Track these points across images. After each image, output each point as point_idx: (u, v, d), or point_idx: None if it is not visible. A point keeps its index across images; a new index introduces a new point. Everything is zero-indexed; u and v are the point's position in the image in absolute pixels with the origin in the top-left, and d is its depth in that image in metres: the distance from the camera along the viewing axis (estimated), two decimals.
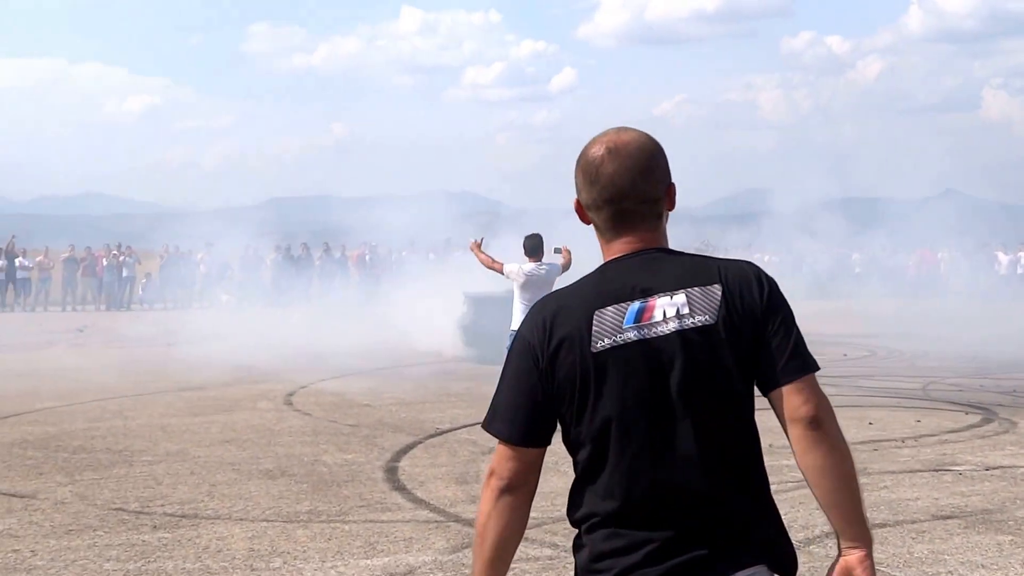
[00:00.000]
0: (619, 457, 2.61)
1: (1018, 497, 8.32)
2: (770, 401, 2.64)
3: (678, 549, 2.54)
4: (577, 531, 2.71)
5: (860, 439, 10.94)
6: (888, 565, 6.53)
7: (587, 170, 2.73)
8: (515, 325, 11.53)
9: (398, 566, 6.60)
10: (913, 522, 7.59)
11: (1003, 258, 38.81)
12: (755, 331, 2.62)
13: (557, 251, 12.23)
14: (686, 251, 2.77)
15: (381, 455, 10.23)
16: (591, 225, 2.82)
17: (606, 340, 2.61)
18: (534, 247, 12.12)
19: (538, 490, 8.50)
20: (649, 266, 2.68)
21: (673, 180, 2.79)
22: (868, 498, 8.14)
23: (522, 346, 2.72)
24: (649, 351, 2.60)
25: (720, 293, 2.61)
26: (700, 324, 2.59)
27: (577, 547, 2.69)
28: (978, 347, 20.94)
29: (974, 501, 8.20)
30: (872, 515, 7.75)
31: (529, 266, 12.00)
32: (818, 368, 2.65)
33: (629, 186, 2.68)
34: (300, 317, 24.55)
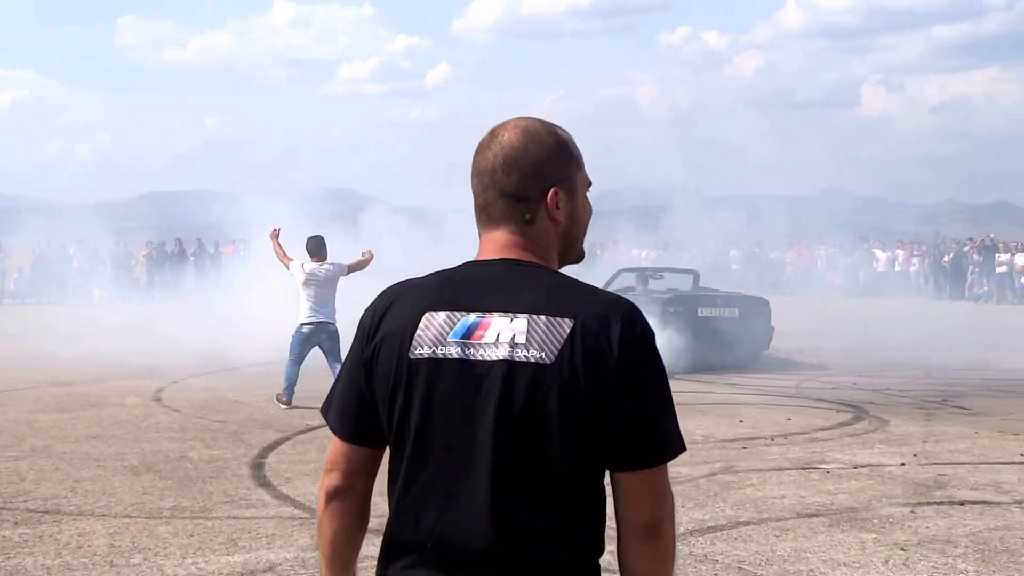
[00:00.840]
0: (410, 483, 2.31)
1: (884, 495, 8.43)
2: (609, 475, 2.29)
3: None
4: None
5: (730, 437, 11.06)
6: (750, 563, 6.55)
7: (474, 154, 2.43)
8: (299, 319, 13.07)
9: (259, 562, 6.47)
10: (778, 520, 7.64)
11: (880, 255, 39.53)
12: (600, 387, 2.20)
13: (363, 254, 13.60)
14: (564, 272, 2.38)
15: (248, 451, 10.05)
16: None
17: (425, 349, 2.28)
18: (315, 247, 13.15)
19: None
20: (503, 278, 2.31)
21: (575, 191, 2.41)
22: (734, 496, 8.23)
23: (358, 332, 2.42)
24: (467, 374, 2.25)
25: (569, 329, 2.20)
26: (533, 360, 2.20)
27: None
28: (852, 344, 21.35)
29: (840, 499, 8.29)
30: (737, 513, 7.81)
31: (311, 266, 13.04)
32: (681, 451, 2.27)
33: (490, 176, 2.36)
34: (173, 313, 24.09)
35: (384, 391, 2.33)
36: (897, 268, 38.65)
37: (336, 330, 12.93)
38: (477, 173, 2.40)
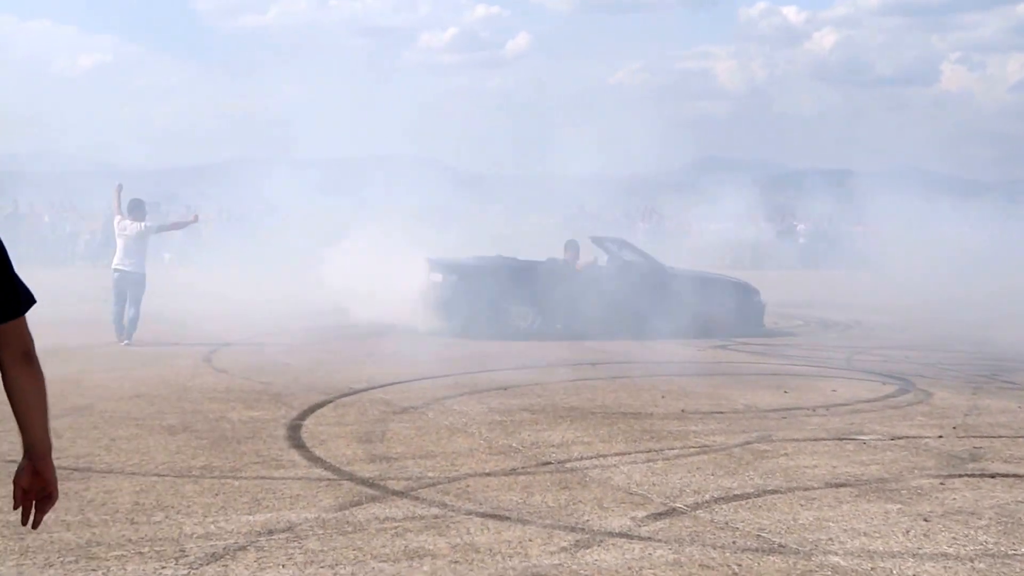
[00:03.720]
0: None
1: (916, 467, 8.34)
2: None
3: None
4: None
5: (773, 407, 10.99)
6: (770, 531, 6.52)
7: None
8: (114, 263, 15.81)
9: (279, 522, 6.54)
10: (805, 489, 7.59)
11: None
12: None
13: (192, 217, 17.51)
14: None
15: (288, 413, 10.15)
16: None
17: None
18: (130, 208, 15.75)
19: (438, 449, 8.43)
20: None
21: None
22: (765, 465, 8.20)
23: None
24: None
25: None
26: None
27: None
28: (910, 318, 21.13)
29: (872, 470, 8.21)
30: (765, 482, 7.77)
31: (124, 223, 15.66)
32: (32, 304, 3.24)
33: None
34: (235, 277, 24.31)
35: None
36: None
37: (141, 278, 15.54)
38: None
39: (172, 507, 6.86)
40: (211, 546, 6.06)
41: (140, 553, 5.92)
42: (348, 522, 6.58)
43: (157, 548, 6.01)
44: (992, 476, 8.06)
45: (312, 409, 10.41)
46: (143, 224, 15.66)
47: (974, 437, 9.58)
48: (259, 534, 6.30)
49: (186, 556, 5.88)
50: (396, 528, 6.48)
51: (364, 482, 7.57)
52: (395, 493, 7.31)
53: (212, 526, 6.45)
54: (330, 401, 10.86)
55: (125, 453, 8.39)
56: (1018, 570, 5.84)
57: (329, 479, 7.67)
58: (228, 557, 5.87)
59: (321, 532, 6.37)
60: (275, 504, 6.97)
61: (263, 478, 7.66)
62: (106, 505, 6.89)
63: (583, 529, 6.53)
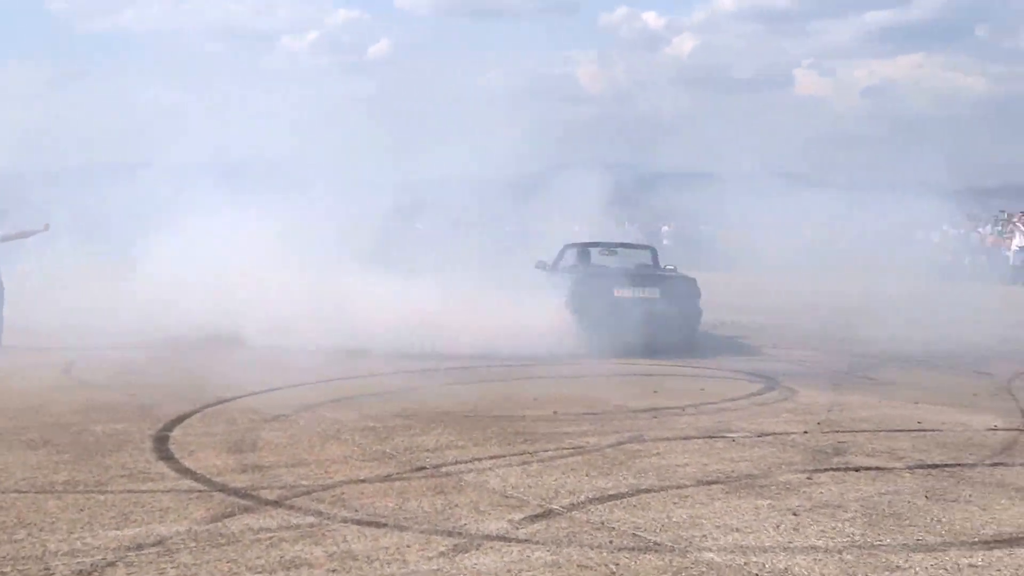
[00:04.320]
0: None
1: (784, 463, 8.50)
2: None
3: None
4: None
5: (643, 407, 11.09)
6: (646, 530, 6.57)
7: None
8: None
9: (148, 536, 6.38)
10: (678, 487, 7.67)
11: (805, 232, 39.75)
12: None
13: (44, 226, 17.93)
14: None
15: (154, 424, 9.93)
16: None
17: None
18: None
19: (311, 457, 8.30)
20: None
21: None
22: (638, 464, 8.26)
23: None
24: None
25: None
26: None
27: None
28: (776, 319, 21.53)
29: (741, 467, 8.34)
30: (638, 481, 7.83)
31: None
32: None
33: None
34: (96, 284, 23.70)
35: None
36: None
37: None
38: None
39: (34, 524, 6.64)
40: (77, 563, 5.88)
41: (2, 573, 5.73)
42: (221, 534, 6.46)
43: (20, 567, 5.81)
44: (856, 470, 8.24)
45: (179, 419, 10.20)
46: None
47: (837, 432, 9.80)
48: (128, 549, 6.14)
49: (51, 574, 5.70)
50: (271, 538, 6.38)
51: (236, 492, 7.44)
52: (268, 503, 7.20)
53: (78, 542, 6.26)
54: (197, 411, 10.66)
55: None
56: (884, 561, 5.98)
57: (200, 490, 7.52)
58: (96, 574, 5.71)
59: (193, 545, 6.24)
60: (144, 518, 6.80)
61: (130, 491, 7.47)
62: None
63: (460, 533, 6.51)
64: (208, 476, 7.92)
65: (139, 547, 6.17)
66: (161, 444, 9.09)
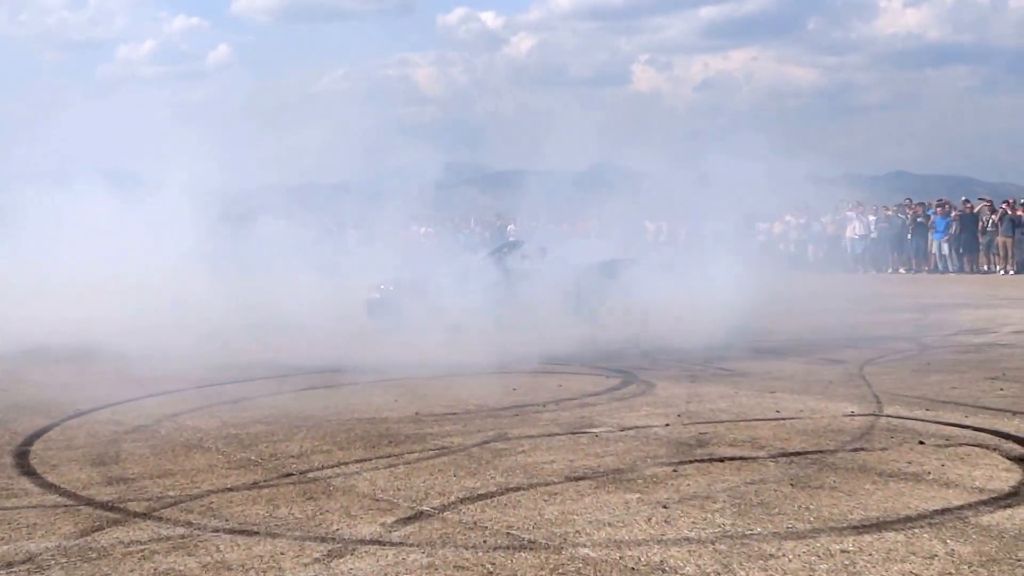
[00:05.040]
0: None
1: (649, 456, 8.68)
2: None
3: None
4: None
5: (504, 405, 11.21)
6: (519, 528, 6.67)
7: None
8: None
9: (17, 554, 6.29)
10: (547, 484, 7.79)
11: (650, 227, 40.43)
12: None
13: None
14: None
15: (13, 439, 9.73)
16: None
17: None
18: None
19: (176, 467, 8.25)
20: None
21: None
22: (505, 463, 8.37)
23: None
24: None
25: None
26: None
27: None
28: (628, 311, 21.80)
29: (607, 461, 8.50)
30: (507, 479, 7.94)
31: None
32: None
33: None
34: None
35: None
36: (662, 239, 39.65)
37: None
38: None
39: None
40: None
41: None
42: (92, 548, 6.39)
43: None
44: (720, 460, 8.47)
45: (38, 433, 10.01)
46: None
47: (698, 423, 10.04)
48: None
49: None
50: (143, 551, 6.33)
51: (103, 506, 7.36)
52: (137, 515, 7.13)
53: None
54: (56, 424, 10.46)
55: None
56: (757, 550, 6.17)
57: (66, 505, 7.42)
58: None
59: (64, 561, 6.16)
60: (11, 535, 6.69)
61: None
62: None
63: (334, 539, 6.54)
64: (73, 490, 7.80)
65: (8, 565, 6.08)
66: (22, 459, 8.92)
